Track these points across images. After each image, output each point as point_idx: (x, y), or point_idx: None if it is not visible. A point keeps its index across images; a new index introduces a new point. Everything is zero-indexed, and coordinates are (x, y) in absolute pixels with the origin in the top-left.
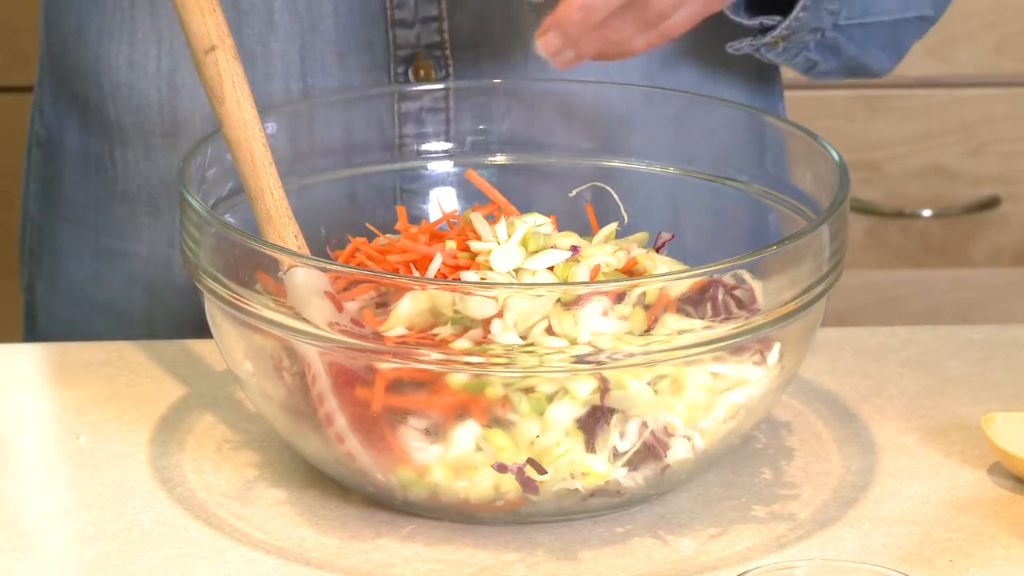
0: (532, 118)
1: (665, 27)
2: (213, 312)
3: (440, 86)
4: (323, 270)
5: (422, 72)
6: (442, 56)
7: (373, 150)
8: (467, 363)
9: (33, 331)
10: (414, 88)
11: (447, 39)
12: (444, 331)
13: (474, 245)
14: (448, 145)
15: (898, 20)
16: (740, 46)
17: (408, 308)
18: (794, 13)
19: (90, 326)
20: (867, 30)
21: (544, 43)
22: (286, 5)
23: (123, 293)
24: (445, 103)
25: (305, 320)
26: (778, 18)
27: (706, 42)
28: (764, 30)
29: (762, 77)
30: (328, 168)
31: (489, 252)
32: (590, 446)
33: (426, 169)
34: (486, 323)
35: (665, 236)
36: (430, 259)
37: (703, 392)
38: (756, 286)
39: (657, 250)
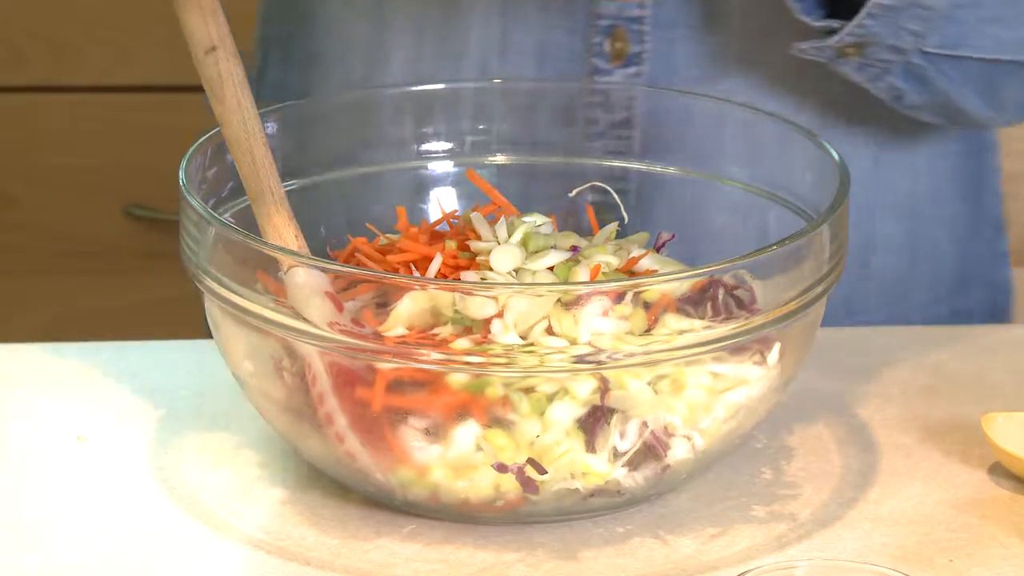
0: (531, 117)
1: None
2: (213, 312)
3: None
4: (323, 270)
5: (618, 45)
6: (640, 31)
7: (375, 149)
8: (467, 363)
9: None
10: (415, 88)
11: (648, 15)
12: (444, 331)
13: (474, 245)
14: (448, 145)
15: (994, 62)
16: (804, 47)
17: (408, 308)
18: (857, 19)
19: None
20: (961, 67)
21: None
22: None
23: None
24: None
25: (305, 320)
26: (843, 23)
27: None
28: (830, 33)
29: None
30: (329, 168)
31: (489, 252)
32: (590, 446)
33: (426, 169)
34: (486, 323)
35: (665, 236)
36: (430, 259)
37: (703, 392)
38: (756, 286)
39: (657, 250)
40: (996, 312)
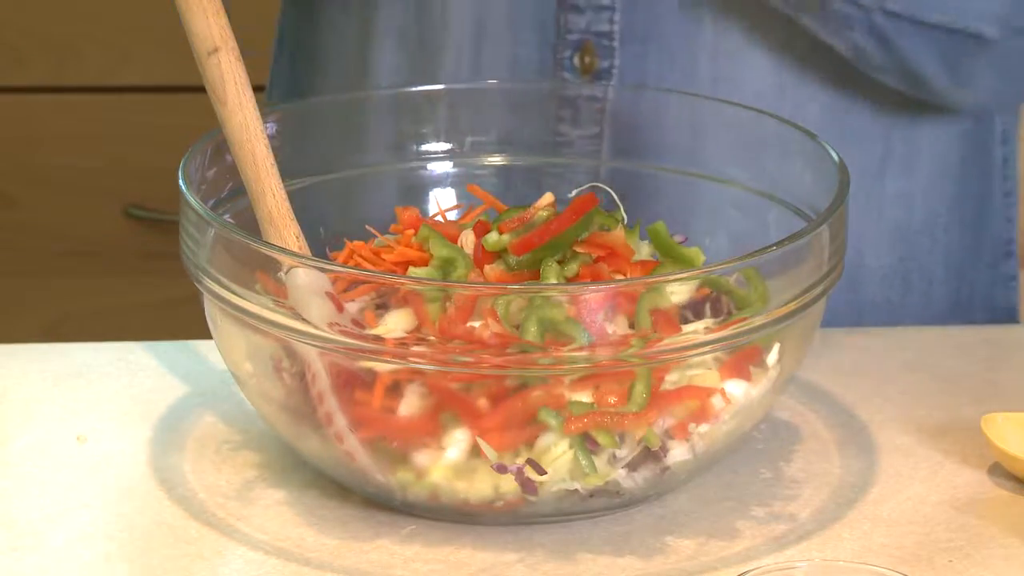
0: (530, 117)
1: None
2: (213, 312)
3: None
4: (324, 271)
5: (587, 59)
6: (610, 46)
7: (375, 150)
8: (464, 364)
9: None
10: (409, 89)
11: (616, 30)
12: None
13: None
14: (448, 145)
15: (954, 31)
16: None
17: (398, 318)
18: None
19: None
20: (923, 32)
21: None
22: None
23: None
24: (603, 103)
25: (305, 321)
26: None
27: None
28: None
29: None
30: (329, 168)
31: None
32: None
33: (426, 169)
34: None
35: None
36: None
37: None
38: None
39: None
40: None
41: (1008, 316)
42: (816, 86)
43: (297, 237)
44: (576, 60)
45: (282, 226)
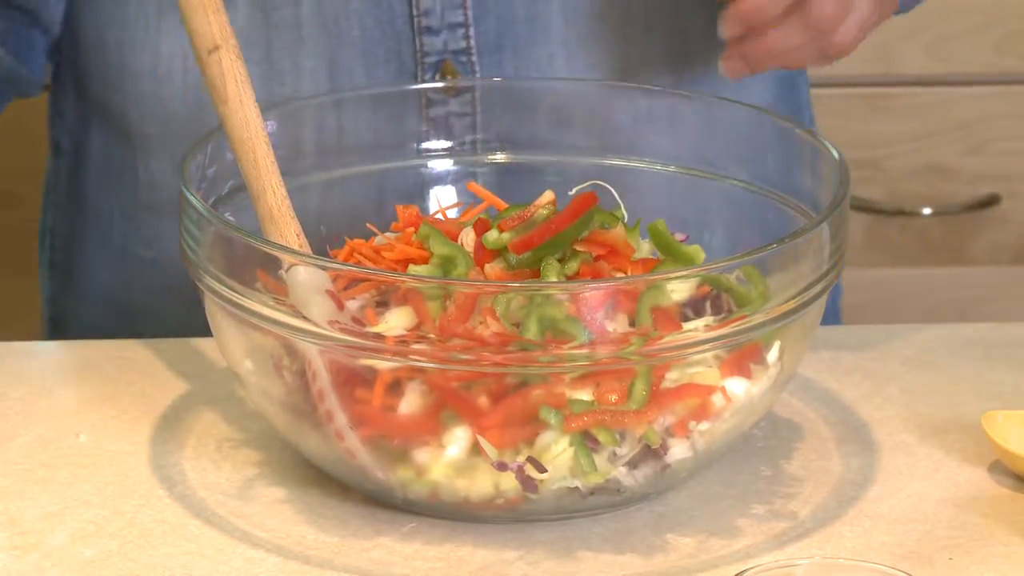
0: (533, 117)
1: (835, 42)
2: (213, 311)
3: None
4: (324, 268)
5: (449, 78)
6: (468, 61)
7: (374, 149)
8: (465, 362)
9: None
10: (424, 87)
11: (473, 44)
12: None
13: None
14: (448, 144)
15: None
16: None
17: (399, 316)
18: None
19: (124, 334)
20: None
21: (728, 67)
22: (314, 19)
23: (158, 299)
24: (472, 107)
25: (306, 318)
26: None
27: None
28: None
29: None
30: (329, 168)
31: None
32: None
33: (426, 168)
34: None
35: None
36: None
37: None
38: None
39: None
40: None
41: None
42: (661, 57)
43: (298, 235)
44: (438, 80)
45: (283, 224)
